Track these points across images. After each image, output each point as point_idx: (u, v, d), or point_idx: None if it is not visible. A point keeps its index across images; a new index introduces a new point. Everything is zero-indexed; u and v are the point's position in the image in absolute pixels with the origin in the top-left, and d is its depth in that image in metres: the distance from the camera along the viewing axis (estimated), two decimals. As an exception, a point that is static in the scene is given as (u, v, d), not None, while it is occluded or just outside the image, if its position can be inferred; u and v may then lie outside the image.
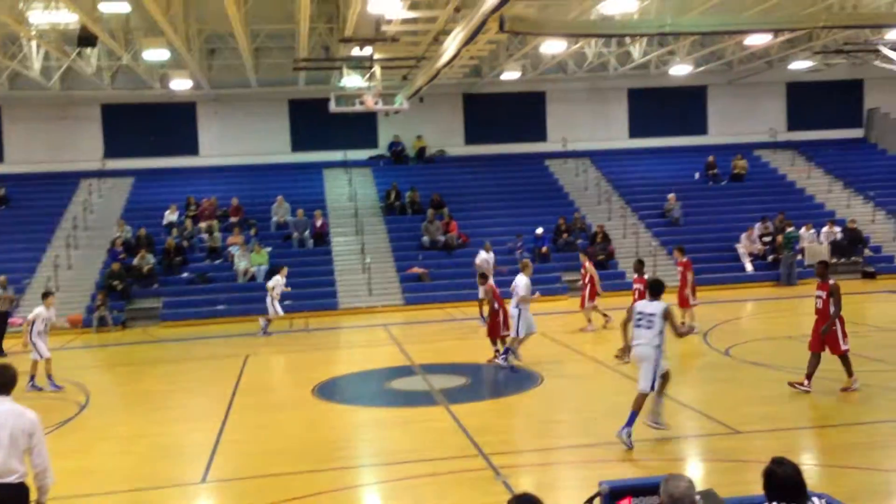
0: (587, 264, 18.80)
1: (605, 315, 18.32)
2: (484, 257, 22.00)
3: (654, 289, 10.04)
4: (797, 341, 15.81)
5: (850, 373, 11.80)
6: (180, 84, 27.01)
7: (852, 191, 30.22)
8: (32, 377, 14.36)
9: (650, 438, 10.02)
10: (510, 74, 28.12)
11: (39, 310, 14.65)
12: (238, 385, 14.42)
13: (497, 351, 15.02)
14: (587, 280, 18.41)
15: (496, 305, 15.04)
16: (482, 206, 29.02)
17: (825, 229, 26.73)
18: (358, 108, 24.13)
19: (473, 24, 16.08)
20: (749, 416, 10.89)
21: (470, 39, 17.52)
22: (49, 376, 14.47)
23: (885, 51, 25.84)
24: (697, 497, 4.37)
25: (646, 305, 9.95)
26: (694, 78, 30.86)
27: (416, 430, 11.15)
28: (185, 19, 22.23)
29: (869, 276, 25.52)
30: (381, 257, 26.18)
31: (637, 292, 15.55)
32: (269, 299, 20.38)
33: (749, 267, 25.84)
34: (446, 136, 32.09)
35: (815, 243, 26.47)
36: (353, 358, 18.12)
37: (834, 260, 26.09)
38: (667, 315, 9.75)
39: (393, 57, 23.43)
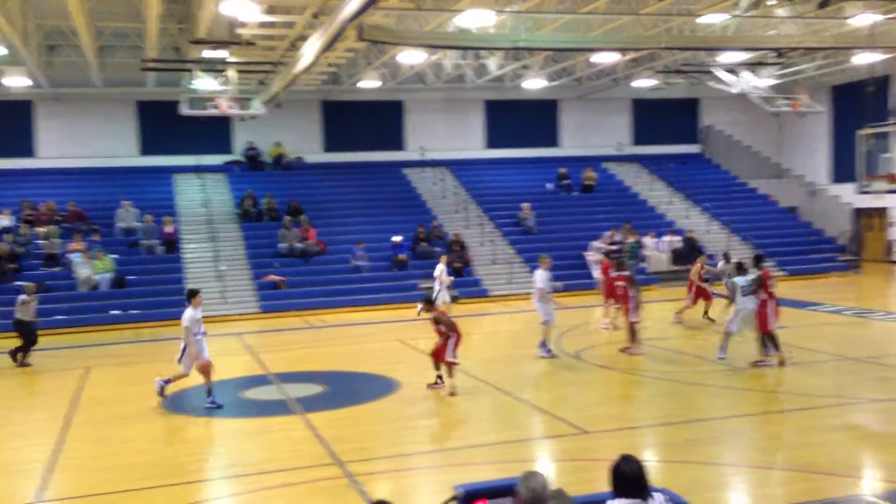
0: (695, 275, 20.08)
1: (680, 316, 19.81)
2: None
3: (743, 268, 14.32)
4: (643, 345, 16.66)
5: (766, 353, 13.66)
6: (15, 81, 25.34)
7: (690, 203, 32.17)
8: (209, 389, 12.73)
9: (503, 441, 10.29)
10: (369, 83, 28.14)
11: (191, 311, 12.74)
12: (80, 399, 13.64)
13: (439, 375, 13.53)
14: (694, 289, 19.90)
15: (445, 329, 13.41)
16: (341, 213, 28.86)
17: (666, 238, 28.31)
18: (211, 111, 23.40)
19: (332, 32, 16.00)
20: (597, 416, 11.36)
21: (328, 46, 17.41)
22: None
23: (718, 72, 27.72)
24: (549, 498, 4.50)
25: (743, 280, 13.93)
26: (547, 92, 31.95)
27: (270, 441, 10.93)
28: (22, 13, 20.87)
29: (705, 281, 27.14)
30: (236, 265, 25.51)
31: (622, 288, 16.60)
32: (437, 286, 20.21)
33: (597, 274, 26.89)
34: (304, 143, 31.74)
35: (656, 251, 28.02)
36: (205, 369, 17.50)
37: (674, 267, 27.69)
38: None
39: (248, 61, 22.95)
